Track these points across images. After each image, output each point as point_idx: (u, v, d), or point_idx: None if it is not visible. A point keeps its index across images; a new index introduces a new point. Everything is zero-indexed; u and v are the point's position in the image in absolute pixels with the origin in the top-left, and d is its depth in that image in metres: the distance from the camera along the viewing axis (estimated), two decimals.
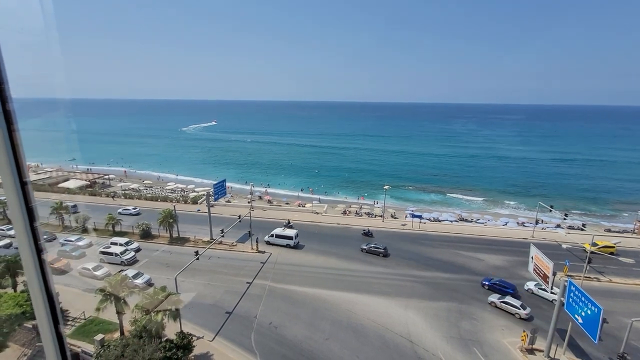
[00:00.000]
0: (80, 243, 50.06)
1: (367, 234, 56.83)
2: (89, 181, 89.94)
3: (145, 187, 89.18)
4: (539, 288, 39.03)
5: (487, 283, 40.69)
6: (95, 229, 56.36)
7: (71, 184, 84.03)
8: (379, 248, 49.33)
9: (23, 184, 2.30)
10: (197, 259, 39.19)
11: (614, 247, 50.41)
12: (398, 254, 49.43)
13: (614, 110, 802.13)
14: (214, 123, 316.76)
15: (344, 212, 71.74)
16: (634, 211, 75.40)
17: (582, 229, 64.80)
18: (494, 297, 37.23)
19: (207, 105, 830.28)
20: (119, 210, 64.95)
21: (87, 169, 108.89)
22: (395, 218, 68.71)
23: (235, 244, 52.29)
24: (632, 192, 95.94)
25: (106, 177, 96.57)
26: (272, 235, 51.85)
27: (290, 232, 51.59)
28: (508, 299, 36.51)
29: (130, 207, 66.72)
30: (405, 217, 67.51)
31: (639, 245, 54.39)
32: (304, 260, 47.33)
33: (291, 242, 50.60)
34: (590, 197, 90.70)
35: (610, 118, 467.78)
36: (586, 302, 24.75)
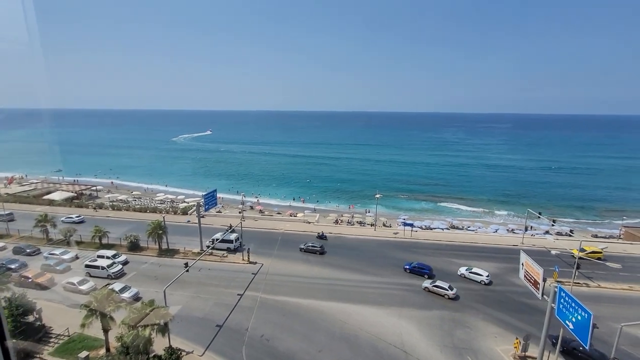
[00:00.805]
0: (65, 256, 48.57)
1: (322, 237, 59.29)
2: (76, 193, 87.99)
3: (134, 198, 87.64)
4: (469, 272, 44.73)
5: (408, 267, 46.51)
6: (81, 242, 54.88)
7: (57, 195, 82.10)
8: (315, 247, 52.42)
9: None
10: (187, 270, 38.28)
11: (601, 252, 51.32)
12: (393, 263, 49.30)
13: (600, 119, 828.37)
14: (209, 132, 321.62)
15: (336, 221, 71.56)
16: (619, 217, 77.28)
17: (570, 235, 65.96)
18: (427, 283, 41.68)
19: (200, 115, 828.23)
20: (62, 218, 64.30)
21: (74, 181, 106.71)
22: (387, 226, 68.81)
23: (226, 255, 51.48)
24: (616, 199, 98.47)
25: (93, 188, 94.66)
26: (212, 241, 52.30)
27: (232, 237, 52.70)
28: (438, 282, 41.28)
29: (73, 215, 66.64)
30: (398, 225, 67.69)
31: (625, 250, 55.46)
32: (296, 271, 46.79)
33: (231, 246, 52.41)
34: (577, 204, 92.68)
35: (595, 127, 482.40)
36: (576, 307, 24.93)
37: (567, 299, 26.19)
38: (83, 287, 39.63)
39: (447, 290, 40.05)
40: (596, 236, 67.30)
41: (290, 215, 75.66)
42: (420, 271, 45.66)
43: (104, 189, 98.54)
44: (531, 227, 67.79)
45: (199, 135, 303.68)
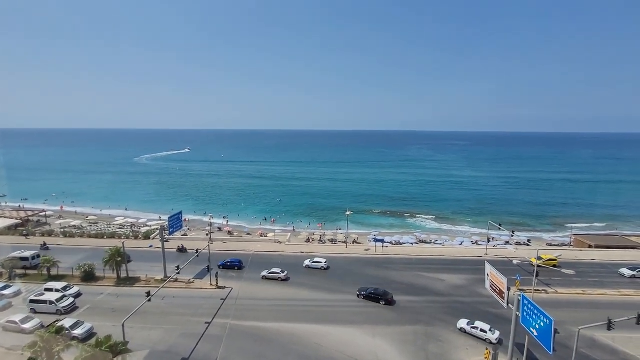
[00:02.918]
0: (5, 292, 43.37)
1: (182, 250, 60.76)
2: (21, 219, 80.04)
3: (90, 223, 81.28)
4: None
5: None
6: (25, 274, 49.48)
7: None
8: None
9: None
10: (149, 300, 35.54)
11: (556, 260, 54.92)
12: (365, 280, 49.16)
13: (550, 137, 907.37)
14: (187, 151, 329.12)
15: (308, 240, 70.83)
16: (570, 225, 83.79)
17: (528, 245, 70.20)
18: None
19: (161, 134, 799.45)
20: (14, 253, 54.04)
21: (19, 206, 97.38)
22: (358, 243, 69.14)
23: (192, 280, 48.68)
24: (566, 209, 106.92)
25: (42, 214, 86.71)
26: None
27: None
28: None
29: (27, 253, 54.21)
30: (369, 242, 68.28)
31: (576, 257, 59.79)
32: (268, 294, 45.17)
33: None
34: (531, 214, 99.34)
35: (546, 144, 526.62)
36: (539, 314, 26.18)
37: (530, 306, 27.46)
38: (26, 326, 35.37)
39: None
40: (550, 244, 72.14)
41: (261, 236, 73.83)
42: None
43: (54, 215, 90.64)
44: (493, 238, 71.35)
45: (170, 153, 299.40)
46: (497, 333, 34.94)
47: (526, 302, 27.84)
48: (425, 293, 45.61)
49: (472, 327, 36.00)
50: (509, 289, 31.12)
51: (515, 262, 54.47)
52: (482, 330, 35.31)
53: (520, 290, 43.32)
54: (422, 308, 41.54)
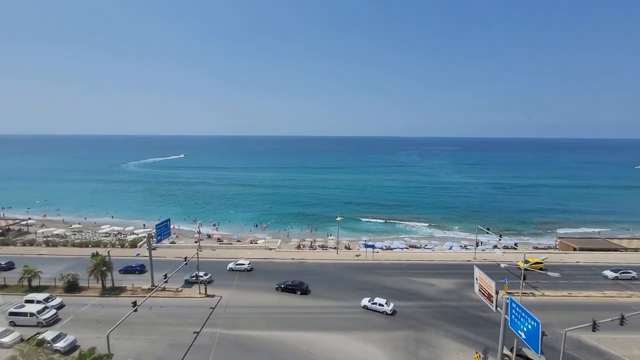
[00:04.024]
0: None
1: (94, 254, 59.60)
2: (1, 228, 77.35)
3: (74, 232, 79.08)
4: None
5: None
6: (5, 285, 47.64)
7: None
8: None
9: None
10: (135, 310, 34.57)
11: (542, 263, 55.95)
12: (355, 286, 49.11)
13: (537, 142, 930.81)
14: (183, 156, 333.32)
15: (298, 247, 70.47)
16: (555, 229, 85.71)
17: (514, 248, 71.38)
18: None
19: (151, 140, 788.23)
20: None
21: None
22: (349, 249, 69.11)
23: (180, 289, 47.73)
24: (551, 212, 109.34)
25: (23, 222, 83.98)
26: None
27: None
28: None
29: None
30: (359, 247, 68.34)
31: (561, 259, 61.10)
32: (257, 301, 44.61)
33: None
34: (517, 219, 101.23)
35: (532, 149, 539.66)
36: (526, 317, 26.55)
37: (517, 309, 27.83)
38: (5, 340, 33.93)
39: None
40: (537, 248, 73.61)
41: (251, 243, 73.10)
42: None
43: (36, 223, 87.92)
44: (481, 242, 72.36)
45: (166, 159, 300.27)
46: (392, 305, 41.93)
47: (514, 305, 28.22)
48: (415, 298, 45.78)
49: (372, 304, 42.24)
50: (497, 293, 31.52)
51: (503, 265, 55.28)
52: (380, 305, 41.90)
53: (508, 293, 44.00)
54: (412, 313, 41.63)
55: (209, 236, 78.95)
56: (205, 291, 46.26)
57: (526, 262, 51.18)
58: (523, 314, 26.89)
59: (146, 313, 40.14)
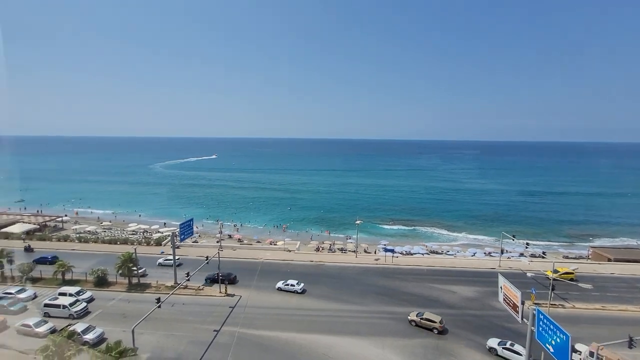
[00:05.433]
0: (21, 295, 44.44)
1: (28, 249, 62.18)
2: (39, 224, 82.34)
3: (104, 229, 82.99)
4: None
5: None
6: (41, 278, 50.62)
7: (17, 228, 76.39)
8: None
9: None
10: (159, 306, 35.88)
11: (573, 273, 53.08)
12: (374, 290, 48.57)
13: (562, 146, 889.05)
14: (214, 157, 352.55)
15: (317, 249, 70.57)
16: (587, 238, 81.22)
17: (543, 257, 68.18)
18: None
19: (179, 142, 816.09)
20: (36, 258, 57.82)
21: (37, 211, 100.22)
22: (368, 253, 68.47)
23: (202, 287, 48.95)
24: (583, 220, 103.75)
25: (59, 219, 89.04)
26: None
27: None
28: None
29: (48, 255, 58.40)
30: (376, 252, 67.59)
31: (594, 270, 57.74)
32: (276, 302, 45.00)
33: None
34: (546, 226, 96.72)
35: (559, 153, 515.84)
36: (554, 330, 25.28)
37: (545, 321, 26.56)
38: (40, 330, 36.05)
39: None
40: (567, 257, 69.93)
41: (270, 244, 73.95)
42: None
43: (70, 220, 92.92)
44: (506, 250, 69.68)
45: (197, 159, 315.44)
46: (302, 284, 47.89)
47: (542, 317, 26.95)
48: (436, 305, 44.62)
49: (285, 285, 47.88)
50: (523, 303, 30.23)
51: (529, 274, 52.86)
52: (291, 285, 47.51)
53: (535, 304, 42.08)
54: None
55: (230, 236, 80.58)
56: (226, 290, 47.20)
57: (555, 271, 48.77)
58: (551, 327, 25.63)
59: (169, 310, 41.44)
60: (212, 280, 50.62)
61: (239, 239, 78.13)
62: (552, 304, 42.55)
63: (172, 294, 40.84)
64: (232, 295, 46.52)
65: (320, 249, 70.86)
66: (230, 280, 49.77)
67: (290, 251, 67.42)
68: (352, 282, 52.10)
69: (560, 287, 48.91)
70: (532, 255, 68.32)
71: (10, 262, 51.23)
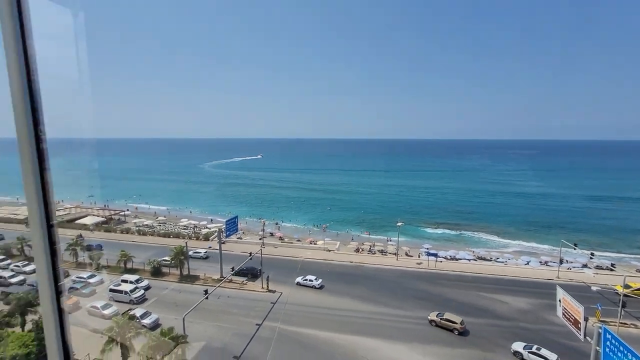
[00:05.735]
0: (92, 280, 49.92)
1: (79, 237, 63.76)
2: (105, 218, 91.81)
3: (159, 223, 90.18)
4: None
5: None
6: (107, 266, 56.45)
7: (88, 220, 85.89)
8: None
9: (50, 226, 2.34)
10: (207, 298, 38.26)
11: None
12: (416, 295, 47.09)
13: (628, 144, 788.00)
14: (259, 157, 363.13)
15: (357, 250, 70.05)
16: None
17: (611, 269, 60.92)
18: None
19: (224, 142, 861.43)
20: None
21: (104, 206, 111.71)
22: (409, 256, 66.46)
23: (245, 282, 51.16)
24: None
25: (122, 213, 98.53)
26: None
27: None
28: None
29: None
30: (419, 255, 65.32)
31: None
32: (315, 301, 45.55)
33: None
34: (616, 235, 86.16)
35: (624, 152, 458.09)
36: (625, 352, 22.48)
37: (614, 341, 23.79)
38: (106, 312, 40.21)
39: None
40: None
41: (310, 243, 74.91)
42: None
43: (132, 214, 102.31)
44: (566, 260, 63.39)
45: (243, 159, 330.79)
46: (320, 280, 48.73)
47: (609, 337, 24.14)
48: (485, 315, 42.02)
49: (303, 280, 49.19)
50: (586, 319, 27.36)
51: (594, 288, 47.63)
52: (309, 280, 48.81)
53: (601, 321, 37.88)
54: (479, 331, 38.30)
55: (271, 234, 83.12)
56: (267, 286, 48.81)
57: (627, 286, 43.32)
58: (621, 348, 22.86)
59: (216, 301, 43.85)
60: (236, 273, 52.99)
61: (280, 237, 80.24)
62: (622, 323, 37.92)
63: (218, 286, 43.24)
64: (273, 292, 47.95)
65: (360, 250, 70.23)
66: (254, 274, 52.22)
67: (330, 251, 67.76)
68: (392, 285, 50.97)
69: (633, 304, 43.34)
70: (598, 267, 61.31)
71: (88, 249, 58.00)
